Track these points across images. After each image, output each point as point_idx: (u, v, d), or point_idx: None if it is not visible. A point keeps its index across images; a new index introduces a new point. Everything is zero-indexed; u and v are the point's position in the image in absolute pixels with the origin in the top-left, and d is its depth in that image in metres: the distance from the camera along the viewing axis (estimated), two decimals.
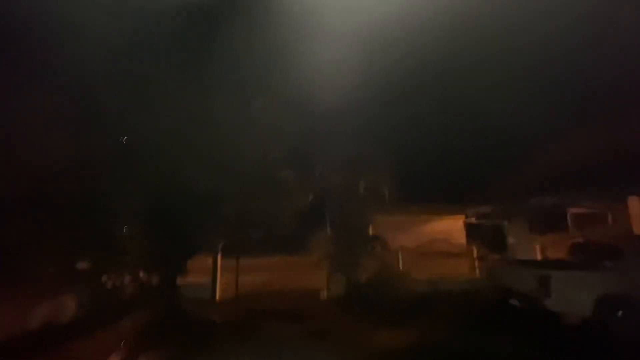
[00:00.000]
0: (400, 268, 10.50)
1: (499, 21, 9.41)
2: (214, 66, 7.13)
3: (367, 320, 7.15)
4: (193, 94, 7.07)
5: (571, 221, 15.08)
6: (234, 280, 9.47)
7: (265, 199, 8.15)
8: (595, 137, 12.11)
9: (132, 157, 6.98)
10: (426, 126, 12.41)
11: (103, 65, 6.52)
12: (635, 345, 5.61)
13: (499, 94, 10.89)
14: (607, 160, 12.46)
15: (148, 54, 6.82)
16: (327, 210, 10.50)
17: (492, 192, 14.69)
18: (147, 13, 6.69)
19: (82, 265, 7.38)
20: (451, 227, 14.77)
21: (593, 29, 9.35)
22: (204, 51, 7.16)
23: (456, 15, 9.28)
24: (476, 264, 11.37)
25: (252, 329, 7.03)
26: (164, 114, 6.83)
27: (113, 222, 7.16)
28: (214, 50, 7.14)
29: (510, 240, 12.31)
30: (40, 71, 6.55)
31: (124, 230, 7.44)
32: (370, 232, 11.84)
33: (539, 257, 11.56)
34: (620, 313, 6.27)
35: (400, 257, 11.06)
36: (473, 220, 15.72)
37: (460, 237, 14.11)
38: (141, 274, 7.86)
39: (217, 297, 9.39)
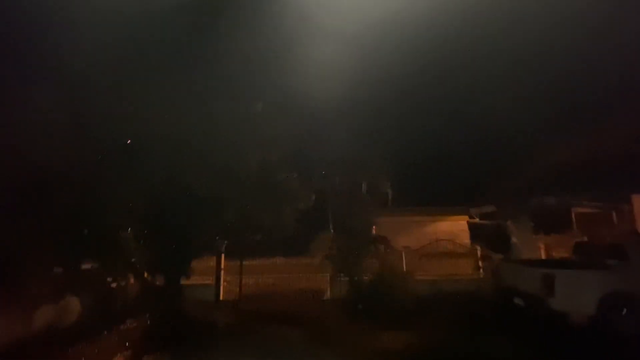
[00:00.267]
0: (404, 269, 10.47)
1: (499, 21, 9.42)
2: (214, 70, 7.17)
3: (371, 322, 7.14)
4: (194, 97, 7.12)
5: (575, 220, 15.03)
6: (237, 282, 9.50)
7: (268, 201, 8.18)
8: (599, 136, 12.07)
9: (136, 160, 7.03)
10: (428, 127, 12.42)
11: (105, 68, 6.58)
12: (639, 344, 5.58)
13: (502, 93, 10.88)
14: (611, 159, 12.43)
15: (148, 57, 6.87)
16: (330, 211, 10.52)
17: (496, 192, 14.68)
18: (147, 16, 6.74)
19: (86, 267, 7.44)
20: (455, 227, 14.69)
21: (597, 28, 9.32)
22: (204, 54, 7.21)
23: (455, 15, 9.29)
24: (480, 264, 11.32)
25: (256, 330, 7.06)
26: (166, 116, 6.87)
27: (117, 224, 7.22)
28: (213, 54, 7.18)
29: (514, 240, 12.22)
30: (40, 71, 6.60)
31: (128, 233, 7.51)
32: (374, 233, 11.84)
33: (543, 256, 11.49)
34: (624, 312, 6.25)
35: (403, 258, 11.05)
36: (477, 220, 15.68)
37: (464, 238, 14.02)
38: (145, 276, 7.93)
39: (221, 298, 9.43)
